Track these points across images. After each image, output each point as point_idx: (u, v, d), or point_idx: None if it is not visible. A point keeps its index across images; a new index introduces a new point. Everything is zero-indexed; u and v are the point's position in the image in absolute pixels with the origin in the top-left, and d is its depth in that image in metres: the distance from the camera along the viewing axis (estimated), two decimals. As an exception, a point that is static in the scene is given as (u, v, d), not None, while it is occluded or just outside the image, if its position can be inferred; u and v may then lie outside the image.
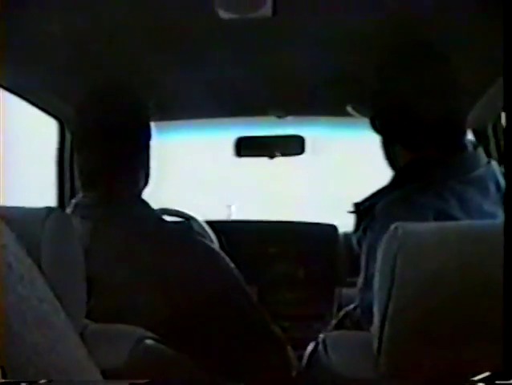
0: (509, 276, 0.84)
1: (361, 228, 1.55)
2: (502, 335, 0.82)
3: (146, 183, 1.73)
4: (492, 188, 1.51)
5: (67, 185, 2.40)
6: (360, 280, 1.50)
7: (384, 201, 1.51)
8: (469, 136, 1.84)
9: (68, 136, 2.37)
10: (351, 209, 1.61)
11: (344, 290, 2.33)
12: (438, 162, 1.53)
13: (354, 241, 1.61)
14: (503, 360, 0.81)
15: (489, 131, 2.29)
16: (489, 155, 1.63)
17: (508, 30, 0.88)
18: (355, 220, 1.60)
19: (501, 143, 2.26)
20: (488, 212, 1.46)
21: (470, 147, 1.58)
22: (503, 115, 2.16)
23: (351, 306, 1.68)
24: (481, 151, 1.58)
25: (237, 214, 4.70)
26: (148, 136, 1.73)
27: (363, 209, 1.56)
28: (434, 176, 1.51)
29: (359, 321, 1.51)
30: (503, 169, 1.58)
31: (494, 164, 1.58)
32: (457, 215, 1.43)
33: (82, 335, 1.21)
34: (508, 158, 0.89)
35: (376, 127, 1.62)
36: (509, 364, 0.80)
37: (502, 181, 1.53)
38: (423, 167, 1.54)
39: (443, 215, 1.41)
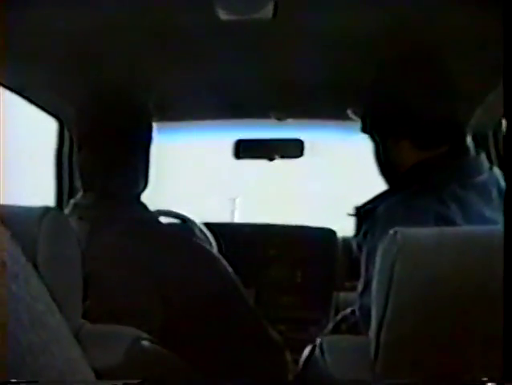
0: (509, 280, 0.83)
1: (362, 232, 1.54)
2: (502, 338, 0.81)
3: (145, 184, 1.72)
4: (494, 194, 1.50)
5: (66, 185, 2.40)
6: (360, 284, 1.49)
7: (384, 205, 1.50)
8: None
9: (67, 136, 2.36)
10: (352, 212, 1.60)
11: (342, 295, 2.32)
12: (441, 166, 1.52)
13: (354, 244, 1.60)
14: (503, 363, 0.81)
15: (490, 137, 2.29)
16: (490, 161, 1.61)
17: (508, 34, 0.88)
18: (355, 224, 1.59)
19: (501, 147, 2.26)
20: (489, 218, 1.45)
21: (473, 152, 1.57)
22: (504, 120, 2.16)
23: (348, 310, 1.67)
24: (483, 156, 1.57)
25: (241, 209, 4.68)
26: (149, 138, 1.73)
27: (363, 212, 1.55)
28: (436, 180, 1.50)
29: (354, 325, 1.51)
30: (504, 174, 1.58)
31: (496, 170, 1.58)
32: (457, 220, 1.42)
33: (77, 335, 1.21)
34: (508, 161, 0.89)
35: (374, 126, 1.61)
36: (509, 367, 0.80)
37: (505, 188, 1.52)
38: (425, 171, 1.53)
39: (443, 220, 1.41)
